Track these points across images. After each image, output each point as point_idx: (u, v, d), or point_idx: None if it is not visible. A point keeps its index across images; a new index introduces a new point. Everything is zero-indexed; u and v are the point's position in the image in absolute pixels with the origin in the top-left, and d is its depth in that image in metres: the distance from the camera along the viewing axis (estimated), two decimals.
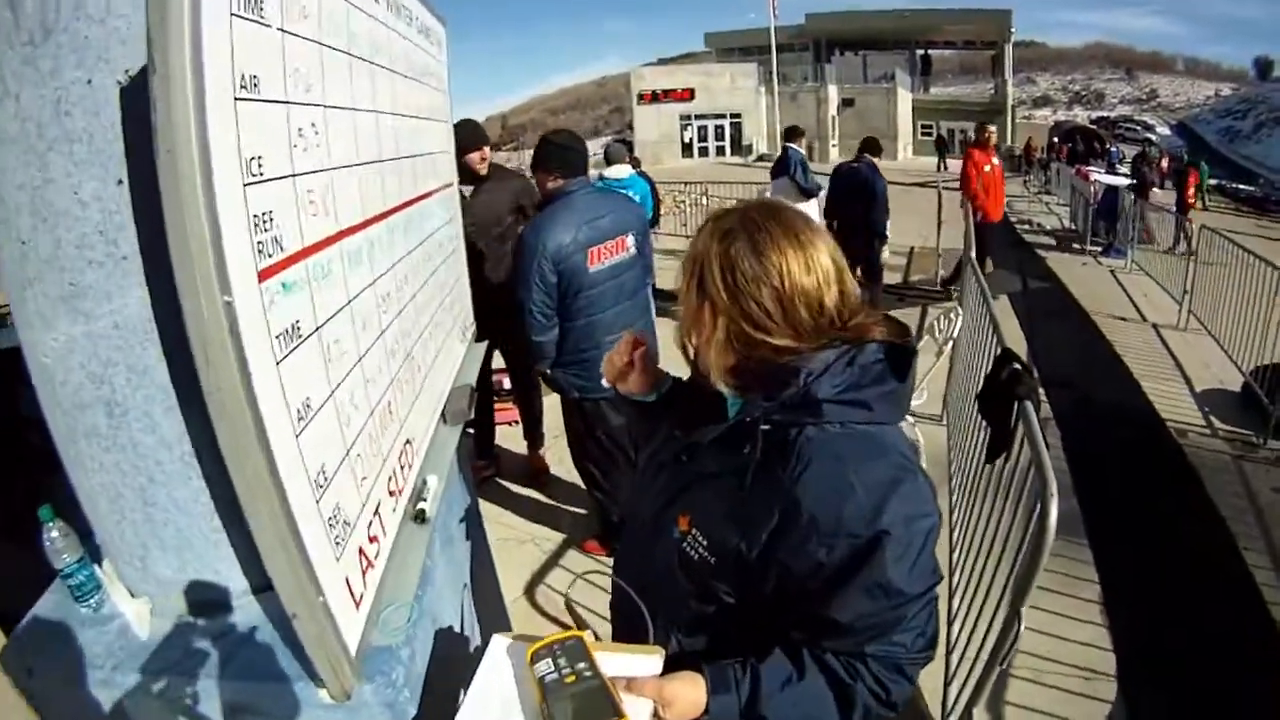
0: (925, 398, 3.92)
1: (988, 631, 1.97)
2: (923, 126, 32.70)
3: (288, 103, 1.05)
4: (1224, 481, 3.77)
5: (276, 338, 0.95)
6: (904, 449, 0.97)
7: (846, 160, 6.78)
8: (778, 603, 0.96)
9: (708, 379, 1.04)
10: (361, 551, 1.18)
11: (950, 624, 2.35)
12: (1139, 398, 4.89)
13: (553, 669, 0.90)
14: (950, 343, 3.95)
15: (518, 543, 3.35)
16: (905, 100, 32.10)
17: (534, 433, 3.92)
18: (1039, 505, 1.78)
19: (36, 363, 1.19)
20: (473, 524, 2.05)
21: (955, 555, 2.75)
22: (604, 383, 1.31)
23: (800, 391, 0.93)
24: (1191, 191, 11.94)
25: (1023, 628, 1.77)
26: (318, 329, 1.10)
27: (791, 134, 6.75)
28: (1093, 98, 48.81)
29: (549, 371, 2.90)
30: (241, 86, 0.91)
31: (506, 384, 4.25)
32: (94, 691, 1.23)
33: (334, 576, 1.06)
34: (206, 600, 1.31)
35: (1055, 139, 18.08)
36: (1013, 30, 33.18)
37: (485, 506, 3.58)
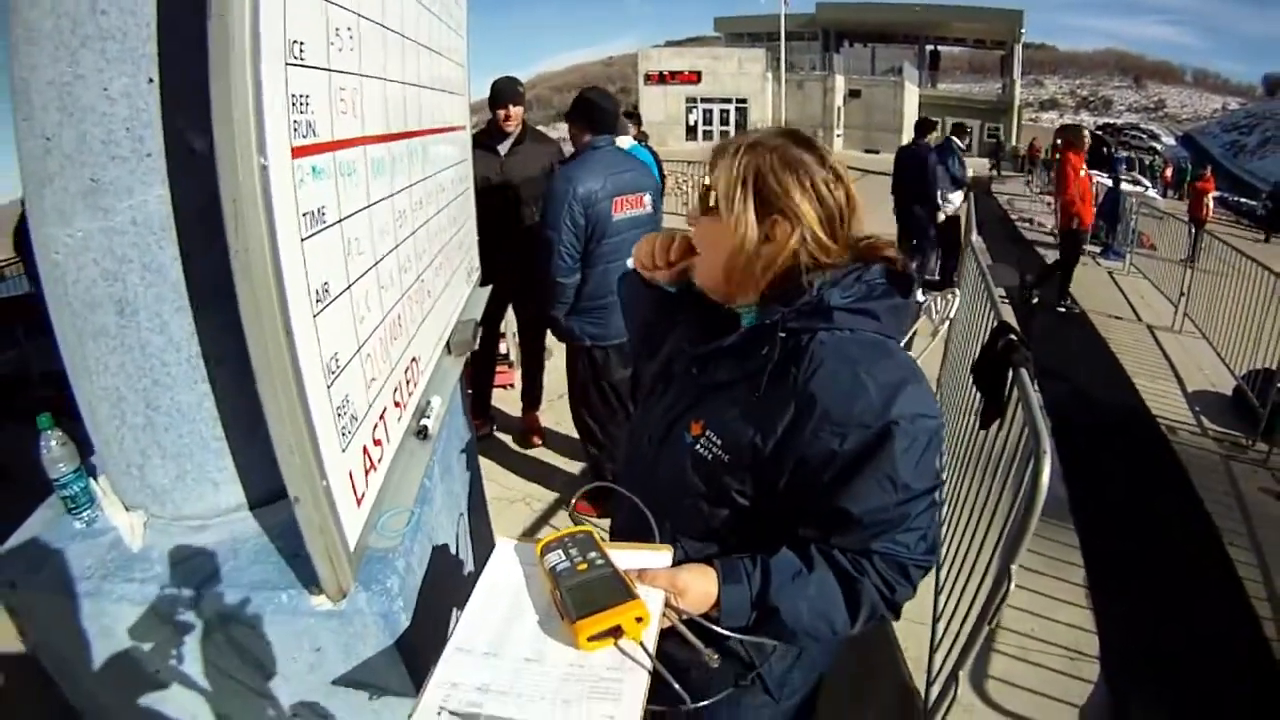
0: None
1: (974, 599, 1.99)
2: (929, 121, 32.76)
3: (327, 1, 1.07)
4: (1212, 480, 3.82)
5: (303, 215, 0.97)
6: (907, 356, 1.01)
7: (907, 143, 7.28)
8: (788, 497, 0.99)
9: (728, 299, 1.09)
10: (366, 451, 1.19)
11: (938, 594, 2.39)
12: (1132, 395, 4.93)
13: (564, 559, 0.91)
14: (946, 322, 3.96)
15: (508, 501, 3.37)
16: (912, 94, 31.98)
17: (532, 394, 3.94)
18: (1032, 463, 1.79)
19: (48, 260, 1.19)
20: (471, 463, 2.08)
21: (945, 529, 2.77)
22: (629, 262, 1.31)
23: (814, 299, 0.98)
24: (1209, 203, 11.99)
25: (1012, 585, 1.79)
26: (340, 221, 1.12)
27: (925, 126, 7.14)
28: (1100, 104, 48.87)
29: (563, 320, 2.94)
30: None
31: (503, 348, 4.27)
32: (81, 601, 1.23)
33: (338, 466, 1.07)
34: (201, 511, 1.32)
35: (1058, 141, 18.08)
36: (1023, 31, 33.04)
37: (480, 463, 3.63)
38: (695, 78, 31.79)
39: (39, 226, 1.18)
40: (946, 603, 2.28)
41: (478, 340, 2.10)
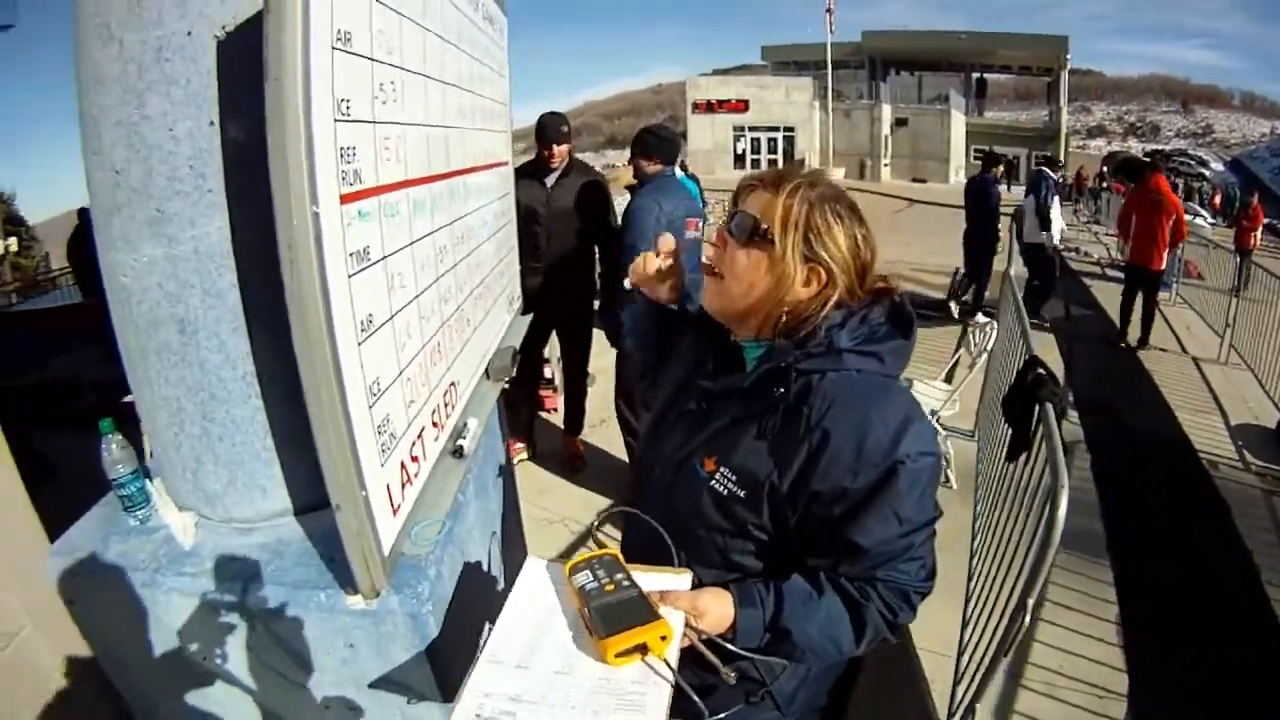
0: (957, 408, 3.94)
1: (995, 632, 2.00)
2: (976, 150, 32.25)
3: (372, 59, 1.17)
4: (1253, 515, 3.72)
5: (350, 254, 1.07)
6: (910, 395, 1.06)
7: (976, 174, 7.60)
8: (800, 528, 1.04)
9: (736, 329, 1.14)
10: (403, 466, 1.28)
11: (964, 627, 2.38)
12: (1173, 428, 4.84)
13: (592, 579, 0.97)
14: (984, 354, 3.95)
15: (547, 522, 3.43)
16: (959, 123, 31.56)
17: (575, 419, 4.01)
18: (1050, 498, 1.81)
19: (116, 283, 1.32)
20: (507, 484, 2.16)
21: (974, 562, 2.76)
22: (627, 283, 1.39)
23: (824, 341, 1.03)
24: (1259, 232, 11.66)
25: (1028, 619, 1.80)
26: (384, 258, 1.22)
27: (1051, 163, 7.55)
28: (1148, 130, 47.72)
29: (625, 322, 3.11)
30: (338, 38, 1.03)
31: (547, 373, 4.36)
32: (134, 592, 1.34)
33: (377, 479, 1.16)
34: (249, 515, 1.42)
35: (1105, 168, 17.74)
36: (1069, 57, 32.22)
37: (519, 486, 3.72)
38: (743, 106, 31.69)
39: (107, 251, 1.31)
40: (971, 635, 2.28)
41: (515, 367, 2.18)
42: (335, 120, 1.02)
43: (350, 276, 1.07)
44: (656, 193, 3.13)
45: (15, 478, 1.70)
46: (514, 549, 2.15)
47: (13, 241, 21.22)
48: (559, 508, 3.57)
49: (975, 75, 35.30)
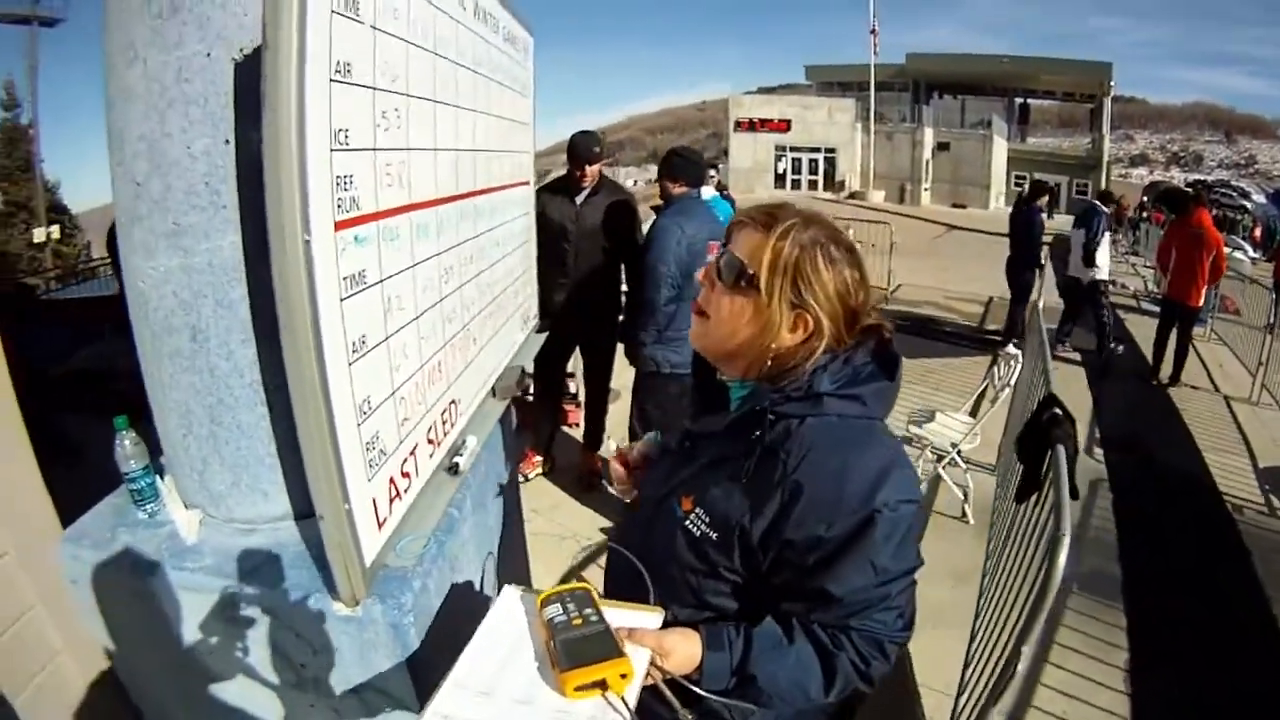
0: (978, 442, 3.91)
1: (993, 675, 1.98)
2: (1017, 176, 31.82)
3: (374, 89, 1.20)
4: (1276, 564, 3.61)
5: (344, 279, 1.11)
6: (892, 440, 1.05)
7: (1025, 201, 7.72)
8: (772, 574, 1.03)
9: (723, 368, 1.13)
10: (392, 481, 1.32)
11: (966, 666, 2.36)
12: (1199, 468, 4.73)
13: (562, 613, 0.98)
14: (1007, 388, 3.90)
15: (559, 538, 3.44)
16: (1001, 148, 31.26)
17: (594, 434, 4.04)
18: (1051, 547, 1.79)
19: (134, 288, 1.38)
20: (509, 504, 2.17)
21: (982, 601, 2.73)
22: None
23: (804, 384, 1.02)
24: None
25: (1020, 667, 1.78)
26: (381, 281, 1.25)
27: (1106, 198, 7.60)
28: (1191, 159, 46.58)
29: (648, 346, 3.20)
30: (336, 71, 1.07)
31: (571, 388, 4.40)
32: (135, 580, 1.40)
33: (362, 492, 1.20)
34: (251, 517, 1.47)
35: (1146, 199, 17.35)
36: (1112, 84, 31.76)
37: (535, 500, 3.75)
38: (785, 126, 31.83)
39: (128, 256, 1.37)
40: (971, 675, 2.26)
41: (522, 386, 2.21)
42: (332, 150, 1.06)
43: (343, 300, 1.10)
44: (679, 215, 3.18)
45: (33, 464, 1.77)
46: (515, 566, 2.17)
47: (55, 229, 21.93)
48: (572, 523, 3.59)
49: (1018, 100, 34.88)
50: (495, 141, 2.03)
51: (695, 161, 3.39)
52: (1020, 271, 7.38)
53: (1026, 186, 7.87)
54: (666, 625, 1.04)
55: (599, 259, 3.63)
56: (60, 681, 1.74)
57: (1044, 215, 7.42)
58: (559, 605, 0.99)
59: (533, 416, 4.09)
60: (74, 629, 1.65)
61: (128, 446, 1.47)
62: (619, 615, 1.02)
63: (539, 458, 4.07)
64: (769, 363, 1.06)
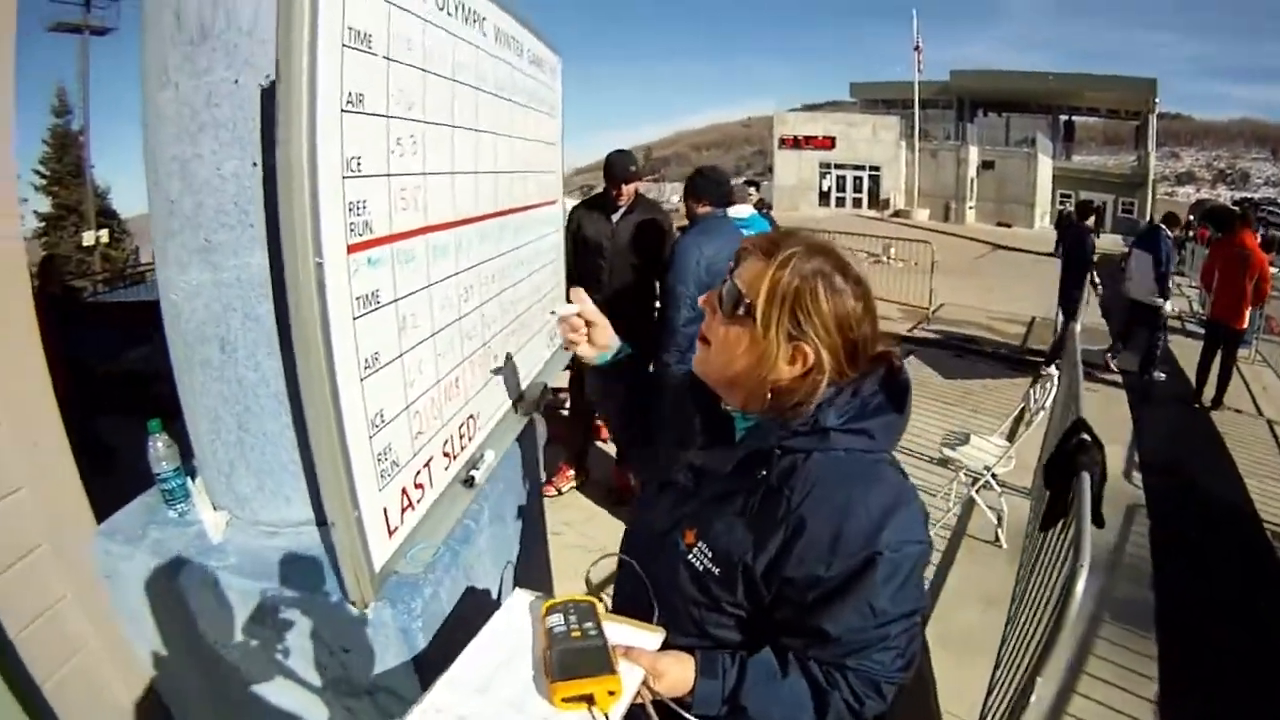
0: (1012, 465, 3.87)
1: (1014, 703, 1.96)
2: (1062, 194, 31.20)
3: (388, 117, 1.24)
4: None
5: (356, 299, 1.15)
6: (900, 477, 1.03)
7: (1074, 221, 8.23)
8: (774, 610, 1.02)
9: (725, 396, 1.13)
10: (405, 492, 1.36)
11: (989, 693, 2.34)
12: (1240, 494, 4.61)
13: (562, 623, 1.00)
14: (1041, 412, 3.84)
15: (585, 550, 3.44)
16: (1045, 166, 30.66)
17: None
18: (1069, 577, 1.77)
19: (167, 300, 1.46)
20: (532, 517, 2.17)
21: (1008, 628, 2.69)
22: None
23: (810, 420, 1.00)
24: None
25: (1033, 699, 1.76)
26: (395, 300, 1.30)
27: (1171, 220, 7.61)
28: (1237, 177, 45.13)
29: (672, 366, 3.19)
30: (348, 101, 1.11)
31: None
32: (163, 576, 1.47)
33: (373, 502, 1.24)
34: (275, 520, 1.53)
35: (1192, 217, 16.84)
36: (1157, 100, 30.81)
37: (567, 513, 3.85)
38: (829, 143, 31.65)
39: (162, 269, 1.45)
40: (993, 702, 2.24)
41: (544, 403, 2.22)
42: (344, 177, 1.10)
43: (355, 319, 1.15)
44: (700, 234, 3.19)
45: (70, 460, 1.85)
46: (537, 578, 2.18)
47: (104, 233, 22.68)
48: (603, 537, 3.61)
49: (1063, 118, 34.26)
50: (519, 163, 2.05)
51: (718, 181, 3.39)
52: (1070, 290, 7.42)
53: (1072, 205, 7.93)
54: (666, 647, 1.04)
55: (632, 276, 3.68)
56: (90, 671, 1.82)
57: (1094, 235, 7.57)
58: (561, 615, 1.01)
59: (566, 430, 4.16)
60: (105, 622, 1.73)
61: (160, 449, 1.54)
62: (619, 631, 1.03)
63: (572, 471, 4.12)
64: (769, 395, 1.04)
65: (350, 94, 1.11)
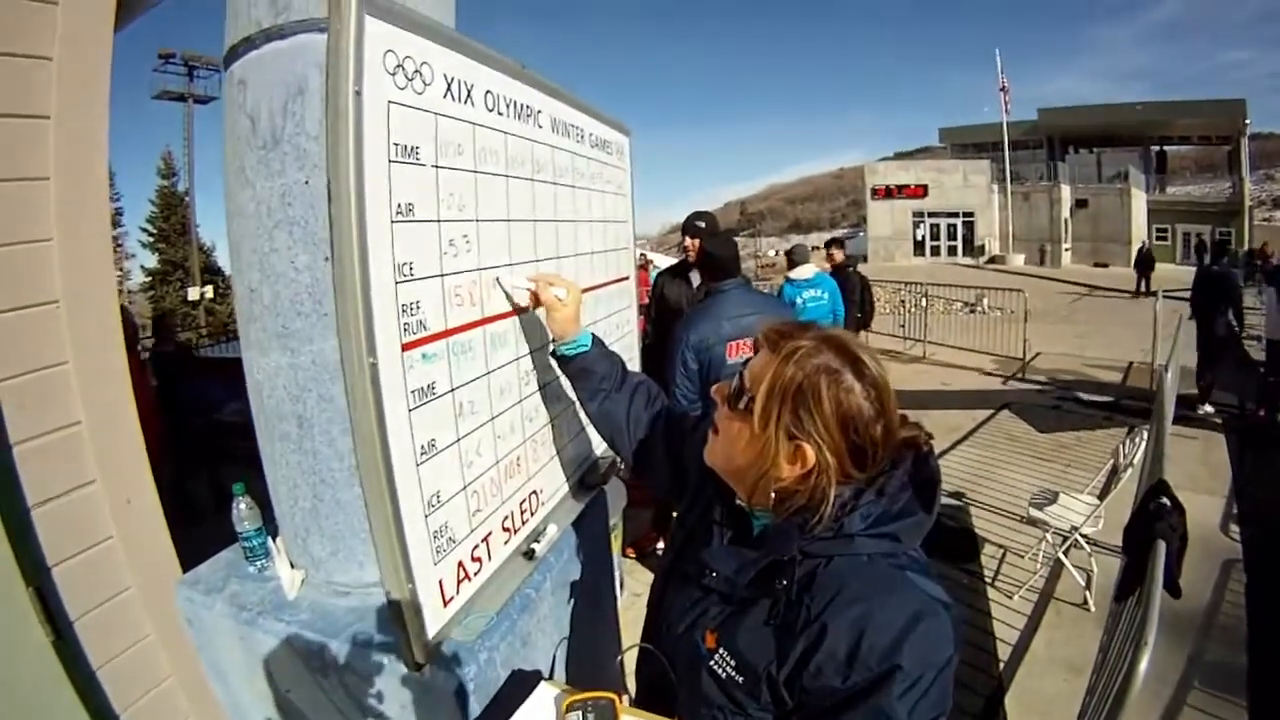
0: (1101, 525, 3.71)
1: None
2: (1158, 230, 29.71)
3: (439, 221, 1.30)
4: None
5: (412, 392, 1.23)
6: (926, 583, 0.96)
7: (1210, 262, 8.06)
8: (795, 714, 0.98)
9: (736, 490, 1.10)
10: (461, 565, 1.42)
11: None
12: None
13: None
14: (1130, 468, 3.67)
15: None
16: (1140, 201, 29.37)
17: None
18: (1133, 652, 1.72)
19: (252, 379, 1.60)
20: (600, 587, 2.17)
21: (1088, 698, 2.58)
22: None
23: (834, 526, 0.96)
24: None
25: None
26: (453, 390, 1.37)
27: (1221, 249, 8.09)
28: None
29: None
30: (398, 212, 1.18)
31: None
32: (242, 626, 1.59)
33: (428, 575, 1.31)
34: (347, 582, 1.64)
35: None
36: (1248, 122, 29.01)
37: (644, 574, 3.93)
38: (921, 191, 31.36)
39: (245, 349, 1.59)
40: None
41: (610, 477, 2.20)
42: (397, 282, 1.18)
43: (411, 410, 1.23)
44: (694, 317, 3.01)
45: (159, 512, 1.98)
46: (603, 644, 2.18)
47: (209, 289, 24.31)
48: None
49: (1154, 149, 32.79)
50: (584, 245, 2.06)
51: (718, 255, 3.09)
52: (1216, 337, 7.15)
53: (1206, 243, 7.73)
54: None
55: None
56: (166, 707, 1.96)
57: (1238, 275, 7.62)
58: (580, 714, 1.05)
59: (652, 495, 4.17)
60: (187, 662, 1.87)
61: (243, 510, 1.70)
62: None
63: (654, 533, 4.16)
64: (772, 495, 1.00)
65: (400, 204, 1.18)
